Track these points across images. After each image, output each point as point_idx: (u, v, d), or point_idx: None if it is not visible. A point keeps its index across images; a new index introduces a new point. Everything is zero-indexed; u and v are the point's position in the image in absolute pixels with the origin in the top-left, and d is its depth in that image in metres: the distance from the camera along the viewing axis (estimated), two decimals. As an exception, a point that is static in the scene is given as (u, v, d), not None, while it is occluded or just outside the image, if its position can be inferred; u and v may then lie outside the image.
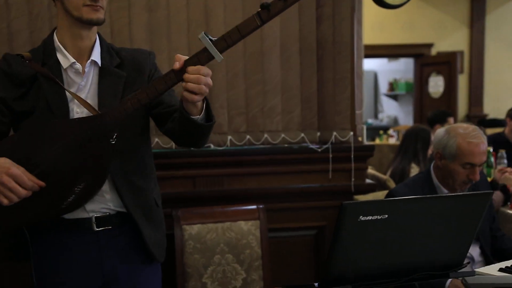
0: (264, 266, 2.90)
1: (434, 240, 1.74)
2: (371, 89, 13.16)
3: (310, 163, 3.26)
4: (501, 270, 1.97)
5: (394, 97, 12.83)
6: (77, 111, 1.96)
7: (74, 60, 1.96)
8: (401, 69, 12.45)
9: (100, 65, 2.02)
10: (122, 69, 2.06)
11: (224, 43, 1.75)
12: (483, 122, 9.89)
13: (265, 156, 3.22)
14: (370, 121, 12.12)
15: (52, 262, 2.00)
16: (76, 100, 1.94)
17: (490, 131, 9.16)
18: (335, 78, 3.27)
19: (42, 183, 1.76)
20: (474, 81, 10.62)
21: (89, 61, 2.00)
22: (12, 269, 3.02)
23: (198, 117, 1.85)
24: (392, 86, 12.60)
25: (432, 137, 4.09)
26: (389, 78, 12.80)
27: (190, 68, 1.74)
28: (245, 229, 2.92)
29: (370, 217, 1.56)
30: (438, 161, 2.95)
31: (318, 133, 3.28)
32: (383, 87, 13.07)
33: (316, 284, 1.70)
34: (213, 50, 1.73)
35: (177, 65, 1.76)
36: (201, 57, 1.76)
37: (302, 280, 2.81)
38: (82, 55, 1.99)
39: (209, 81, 1.76)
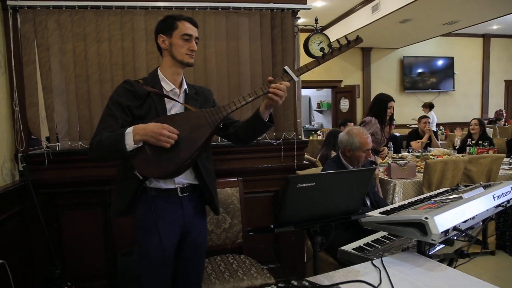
0: (242, 215, 2.71)
1: (342, 198, 1.60)
2: (307, 107, 12.97)
3: (270, 152, 3.06)
4: (380, 213, 1.85)
5: (321, 112, 12.59)
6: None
7: (174, 87, 1.91)
8: (324, 95, 12.26)
9: (187, 92, 1.97)
10: (197, 96, 1.98)
11: (298, 71, 1.84)
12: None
13: (242, 148, 3.00)
14: (306, 126, 11.89)
15: (151, 217, 1.82)
16: (170, 108, 1.91)
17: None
18: (284, 100, 3.07)
19: (176, 130, 1.69)
20: (365, 102, 10.50)
21: (183, 88, 1.96)
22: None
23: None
24: (319, 105, 12.40)
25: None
26: (317, 100, 12.59)
27: (283, 83, 1.78)
28: (230, 193, 2.72)
29: (304, 185, 1.43)
30: (347, 153, 2.84)
31: (274, 133, 3.06)
32: (314, 106, 12.86)
33: (272, 226, 1.56)
34: (292, 73, 1.81)
35: (271, 79, 1.80)
36: (284, 78, 1.81)
37: (264, 223, 2.67)
38: (175, 84, 1.93)
39: (286, 94, 1.80)
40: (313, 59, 1.88)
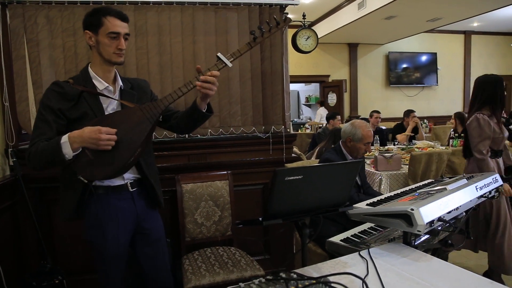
0: (231, 208, 2.68)
1: (329, 190, 1.56)
2: (296, 101, 12.99)
3: (258, 145, 3.01)
4: (367, 205, 1.83)
5: (309, 106, 12.59)
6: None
7: (108, 85, 1.80)
8: (312, 89, 12.27)
9: (122, 88, 1.85)
10: (133, 90, 1.87)
11: (231, 57, 1.78)
12: (358, 119, 9.85)
13: (231, 142, 2.96)
14: (295, 119, 11.90)
15: (100, 214, 1.77)
16: (106, 107, 1.79)
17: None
18: (272, 94, 3.01)
19: (114, 130, 1.61)
20: (352, 96, 10.54)
21: (118, 85, 1.85)
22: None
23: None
24: (308, 99, 12.40)
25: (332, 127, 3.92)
26: (306, 95, 12.61)
27: (212, 73, 1.72)
28: (220, 186, 2.68)
29: (292, 177, 1.39)
30: (348, 143, 2.84)
31: (263, 127, 3.02)
32: (303, 100, 12.86)
33: (260, 218, 1.53)
34: (225, 59, 1.75)
35: (199, 68, 1.75)
36: (218, 65, 1.75)
37: (254, 216, 2.64)
38: (109, 82, 1.78)
39: (217, 84, 1.76)
40: (247, 43, 1.84)
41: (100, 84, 1.79)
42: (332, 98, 10.05)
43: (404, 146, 4.97)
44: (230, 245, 2.69)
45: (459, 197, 1.87)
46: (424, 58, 10.94)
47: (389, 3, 6.67)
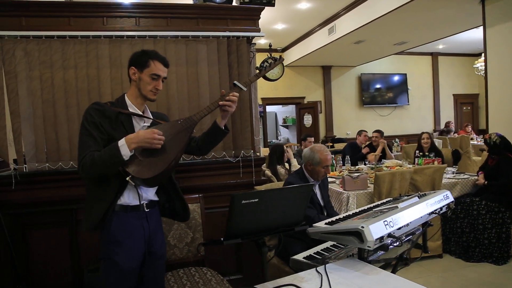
0: (203, 229, 2.79)
1: (284, 211, 1.73)
2: (273, 122, 13.19)
3: (229, 169, 3.17)
4: (325, 223, 1.99)
5: (286, 127, 12.84)
6: None
7: (141, 113, 2.05)
8: (289, 111, 12.50)
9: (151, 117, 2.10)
10: (158, 120, 2.11)
11: (244, 84, 2.16)
12: (333, 139, 10.10)
13: (203, 166, 3.11)
14: (273, 140, 12.08)
15: (120, 231, 1.95)
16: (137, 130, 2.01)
17: (338, 145, 9.41)
18: (241, 120, 3.19)
19: (163, 137, 1.87)
20: (327, 117, 10.84)
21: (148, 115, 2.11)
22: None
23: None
24: (285, 120, 12.66)
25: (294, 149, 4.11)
26: (283, 116, 12.85)
27: (233, 94, 2.07)
28: (192, 209, 2.80)
29: (248, 201, 1.55)
30: (309, 166, 2.99)
31: (233, 152, 3.18)
32: (280, 121, 13.10)
33: (222, 239, 1.68)
34: (241, 86, 2.14)
35: (223, 92, 2.10)
36: (235, 90, 2.12)
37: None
38: (140, 110, 2.05)
39: (236, 103, 2.12)
40: (255, 75, 2.31)
41: (135, 111, 2.02)
42: (308, 119, 10.32)
43: (373, 166, 5.19)
44: (202, 265, 2.79)
45: (409, 214, 2.02)
46: (395, 79, 11.38)
47: (357, 29, 7.02)
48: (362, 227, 1.72)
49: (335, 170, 5.10)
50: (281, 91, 10.40)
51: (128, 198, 1.96)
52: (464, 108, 12.29)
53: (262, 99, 10.26)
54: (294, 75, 10.51)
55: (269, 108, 11.81)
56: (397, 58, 11.23)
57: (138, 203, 1.99)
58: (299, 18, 7.67)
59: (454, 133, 9.73)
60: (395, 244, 2.06)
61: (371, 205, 2.54)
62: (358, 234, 1.73)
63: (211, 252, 3.00)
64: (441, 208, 2.41)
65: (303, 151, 3.09)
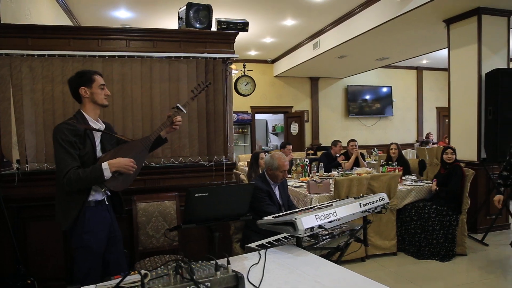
0: (177, 222, 3.25)
1: (231, 204, 2.19)
2: (264, 130, 13.66)
3: (203, 172, 3.62)
4: (272, 217, 2.40)
5: (276, 134, 13.30)
6: (98, 146, 2.46)
7: (100, 125, 2.49)
8: (279, 119, 12.94)
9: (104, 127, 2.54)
10: (107, 130, 2.54)
11: (184, 107, 2.70)
12: (318, 147, 10.56)
13: (181, 169, 3.56)
14: (264, 147, 12.54)
15: (92, 222, 2.37)
16: (98, 142, 2.46)
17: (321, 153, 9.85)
18: (215, 130, 3.66)
19: (135, 166, 2.39)
20: (314, 126, 11.31)
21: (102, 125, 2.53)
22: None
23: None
24: (275, 128, 13.12)
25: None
26: (273, 124, 13.31)
27: (178, 117, 2.65)
28: (168, 205, 3.28)
29: (200, 194, 2.01)
30: (269, 171, 3.46)
31: (207, 157, 3.65)
32: (270, 129, 13.58)
33: (181, 224, 2.16)
34: (183, 109, 2.68)
35: (169, 114, 2.66)
36: (179, 112, 2.65)
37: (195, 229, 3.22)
38: (96, 119, 2.48)
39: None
40: (191, 97, 2.90)
41: (95, 124, 2.46)
42: (294, 128, 10.81)
43: (343, 172, 5.68)
44: (176, 253, 3.27)
45: (340, 210, 2.46)
46: (380, 91, 11.90)
47: (339, 45, 7.52)
48: (295, 218, 2.17)
49: (309, 176, 5.58)
50: (270, 100, 10.90)
51: (95, 196, 2.41)
52: (446, 120, 12.79)
53: (252, 107, 10.76)
54: (283, 85, 11.02)
55: (260, 116, 12.30)
56: (383, 71, 11.76)
57: (103, 198, 2.46)
58: (285, 33, 8.19)
59: (433, 144, 10.23)
60: (326, 235, 2.53)
61: (318, 204, 3.00)
62: (293, 224, 2.18)
63: (187, 241, 3.43)
64: (375, 208, 2.85)
65: (265, 158, 3.57)
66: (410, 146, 11.56)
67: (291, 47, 9.48)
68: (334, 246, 2.69)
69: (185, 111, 2.70)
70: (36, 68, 3.30)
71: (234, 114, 10.14)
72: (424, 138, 11.30)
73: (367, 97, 11.76)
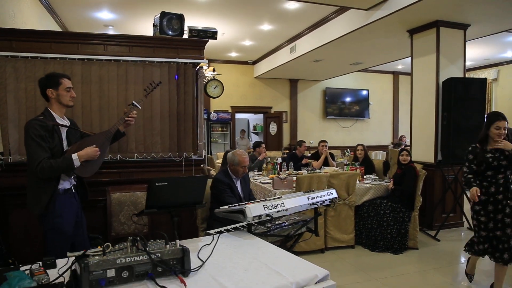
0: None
1: (188, 193, 2.53)
2: (246, 128, 14.00)
3: (173, 166, 3.94)
4: (228, 206, 2.73)
5: (256, 133, 13.66)
6: (65, 141, 2.73)
7: (67, 122, 2.77)
8: (259, 118, 13.27)
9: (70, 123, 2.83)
10: (72, 124, 2.84)
11: (139, 103, 3.04)
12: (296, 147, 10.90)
13: (152, 163, 3.87)
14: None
15: (62, 207, 2.66)
16: (65, 137, 2.73)
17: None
18: (185, 129, 3.98)
19: (99, 152, 2.73)
20: (292, 126, 11.69)
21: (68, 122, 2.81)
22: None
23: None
24: (255, 127, 13.49)
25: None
26: (254, 123, 13.69)
27: (134, 113, 2.96)
28: (140, 195, 3.59)
29: (160, 184, 2.35)
30: (231, 166, 3.80)
31: (177, 153, 3.97)
32: (251, 128, 13.96)
33: (144, 210, 2.51)
34: (137, 105, 3.00)
35: (125, 110, 2.98)
36: (134, 108, 2.97)
37: (163, 217, 3.58)
38: (62, 117, 2.76)
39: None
40: (144, 95, 3.26)
41: (61, 121, 2.75)
42: (273, 128, 11.19)
43: (311, 171, 6.08)
44: (146, 239, 3.60)
45: (288, 202, 2.78)
46: (358, 94, 12.37)
47: (314, 49, 7.92)
48: (245, 207, 2.54)
49: (278, 174, 5.97)
50: (250, 100, 11.26)
51: (63, 184, 2.70)
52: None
53: (232, 107, 11.11)
54: (263, 86, 11.40)
55: (240, 116, 12.63)
56: (360, 75, 12.22)
57: (70, 186, 2.77)
58: (263, 37, 8.56)
59: (405, 146, 10.74)
60: (277, 224, 2.86)
61: (275, 197, 3.36)
62: (243, 212, 2.52)
63: (156, 227, 3.76)
64: (323, 201, 3.17)
65: (227, 154, 3.94)
66: (385, 148, 12.03)
67: (270, 50, 9.85)
68: (285, 234, 3.05)
69: (139, 107, 3.04)
70: (20, 68, 3.60)
71: (214, 113, 10.47)
72: (397, 140, 11.80)
73: (345, 99, 12.20)
